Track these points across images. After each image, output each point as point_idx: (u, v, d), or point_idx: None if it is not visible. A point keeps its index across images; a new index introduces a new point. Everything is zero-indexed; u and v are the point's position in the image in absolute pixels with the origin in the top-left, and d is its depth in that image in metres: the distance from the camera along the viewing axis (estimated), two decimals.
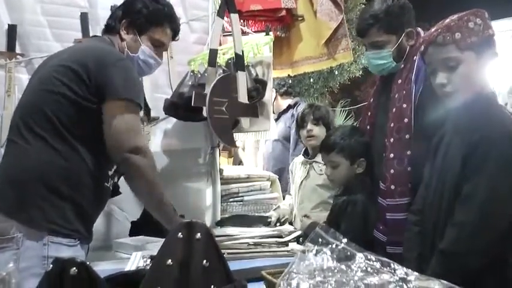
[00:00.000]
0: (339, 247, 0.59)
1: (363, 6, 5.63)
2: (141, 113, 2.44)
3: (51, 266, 0.77)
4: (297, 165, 2.77)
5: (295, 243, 2.02)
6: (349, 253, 0.58)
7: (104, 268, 1.65)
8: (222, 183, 2.65)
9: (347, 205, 2.03)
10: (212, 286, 0.89)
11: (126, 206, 2.50)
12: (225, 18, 2.55)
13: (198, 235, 0.91)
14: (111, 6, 2.50)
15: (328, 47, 3.06)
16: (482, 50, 1.50)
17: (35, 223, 1.57)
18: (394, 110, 1.90)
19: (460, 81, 1.50)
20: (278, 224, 2.40)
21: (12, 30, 2.29)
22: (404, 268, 0.58)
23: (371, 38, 1.96)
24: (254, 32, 2.79)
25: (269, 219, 2.44)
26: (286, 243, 1.98)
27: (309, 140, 2.63)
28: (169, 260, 0.89)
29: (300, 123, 2.69)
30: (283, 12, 3.02)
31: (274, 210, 2.61)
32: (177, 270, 0.89)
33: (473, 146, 1.44)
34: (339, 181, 2.16)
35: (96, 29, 2.48)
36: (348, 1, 4.87)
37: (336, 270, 0.56)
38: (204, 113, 2.06)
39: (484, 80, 1.55)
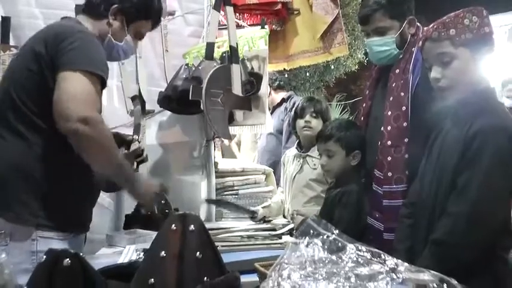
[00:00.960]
0: (330, 238, 0.60)
1: (359, 0, 5.64)
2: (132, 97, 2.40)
3: (44, 257, 0.77)
4: (289, 158, 2.78)
5: (289, 236, 2.03)
6: (340, 244, 0.59)
7: (98, 261, 1.65)
8: (217, 177, 2.66)
9: (342, 196, 2.04)
10: (205, 278, 0.90)
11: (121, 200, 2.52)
12: (221, 12, 2.57)
13: (192, 227, 0.92)
14: None
15: (323, 41, 3.07)
16: (477, 47, 1.52)
17: (21, 219, 1.54)
18: (391, 98, 1.93)
19: (454, 76, 1.53)
20: (262, 222, 2.39)
21: (6, 22, 2.28)
22: (395, 259, 0.58)
23: (375, 24, 1.97)
24: (250, 25, 2.79)
25: (255, 215, 2.44)
26: (279, 236, 1.99)
27: (306, 130, 2.64)
28: (163, 252, 0.90)
29: (300, 113, 2.69)
30: (279, 6, 3.03)
31: (263, 207, 2.61)
32: (170, 262, 0.89)
33: (469, 139, 1.46)
34: (333, 171, 2.17)
35: None
36: (350, 11, 4.89)
37: (326, 261, 0.57)
38: (201, 106, 2.06)
39: (480, 76, 1.57)
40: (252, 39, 2.42)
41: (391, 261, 0.57)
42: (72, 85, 1.49)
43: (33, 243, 1.54)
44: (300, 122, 2.67)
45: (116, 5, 1.78)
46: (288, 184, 2.71)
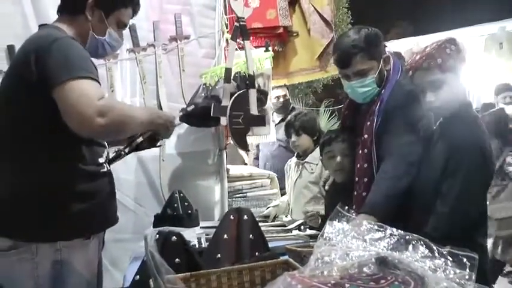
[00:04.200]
0: (351, 217, 0.96)
1: (349, 25, 6.03)
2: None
3: (157, 236, 1.12)
4: (291, 166, 3.14)
5: (297, 230, 2.39)
6: (358, 221, 0.95)
7: None
8: (228, 181, 3.00)
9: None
10: (256, 253, 1.25)
11: (144, 203, 2.83)
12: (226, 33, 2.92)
13: (245, 217, 1.27)
14: (130, 26, 2.85)
15: (320, 61, 3.44)
16: (457, 70, 1.80)
17: (42, 237, 1.59)
18: (363, 138, 2.01)
19: (444, 97, 1.79)
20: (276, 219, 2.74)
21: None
22: (391, 228, 0.94)
23: (355, 67, 1.97)
24: (255, 47, 3.14)
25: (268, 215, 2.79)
26: (290, 230, 2.34)
27: (296, 148, 3.01)
28: (225, 235, 1.25)
29: (286, 133, 3.07)
30: (281, 30, 3.40)
31: (273, 206, 2.96)
32: (231, 242, 1.25)
33: (451, 152, 1.77)
34: (345, 170, 2.22)
35: None
36: (337, 20, 5.27)
37: (350, 231, 0.92)
38: (223, 122, 2.40)
39: (462, 92, 1.87)
40: (259, 60, 2.78)
41: (389, 230, 0.93)
42: (71, 95, 1.51)
43: (57, 253, 1.60)
44: (290, 142, 3.03)
45: None
46: (290, 188, 3.05)
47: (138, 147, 1.87)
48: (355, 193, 2.03)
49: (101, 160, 1.76)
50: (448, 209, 1.75)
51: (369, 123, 1.98)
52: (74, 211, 1.62)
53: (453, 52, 1.79)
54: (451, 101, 1.80)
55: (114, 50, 1.93)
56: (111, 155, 1.84)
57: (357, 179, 2.02)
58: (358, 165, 2.02)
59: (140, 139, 1.83)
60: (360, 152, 2.01)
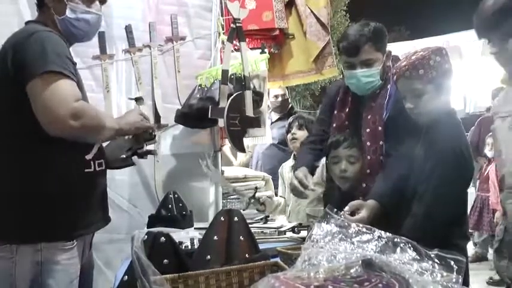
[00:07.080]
0: (340, 219, 0.96)
1: (347, 27, 6.07)
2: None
3: (146, 236, 1.12)
4: (286, 169, 3.14)
5: (292, 232, 2.39)
6: (346, 223, 0.95)
7: None
8: None
9: None
10: (246, 255, 1.25)
11: (138, 203, 2.83)
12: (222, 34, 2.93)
13: (236, 218, 1.27)
14: (126, 26, 2.86)
15: (316, 63, 3.44)
16: (440, 81, 1.84)
17: (23, 239, 1.58)
18: (368, 130, 2.06)
19: (424, 106, 1.85)
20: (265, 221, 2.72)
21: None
22: (379, 231, 0.95)
23: (363, 56, 2.02)
24: (250, 48, 3.13)
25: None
26: (284, 232, 2.34)
27: (293, 142, 3.03)
28: (215, 237, 1.25)
29: (287, 129, 3.13)
30: (277, 32, 3.39)
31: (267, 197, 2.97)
32: (221, 243, 1.25)
33: (428, 158, 1.82)
34: (351, 178, 2.12)
35: (113, 47, 2.83)
36: (335, 22, 5.31)
37: (339, 233, 0.92)
38: (220, 124, 2.40)
39: (444, 102, 1.88)
40: (255, 62, 2.78)
41: (377, 232, 0.94)
42: (45, 92, 1.49)
43: (38, 253, 1.58)
44: (288, 136, 3.08)
45: None
46: (287, 190, 3.04)
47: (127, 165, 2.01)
48: (364, 185, 2.04)
49: (88, 157, 1.72)
50: (422, 212, 1.79)
51: (377, 116, 2.04)
52: (56, 212, 1.61)
53: (437, 64, 1.82)
54: (430, 110, 1.85)
55: (91, 25, 1.80)
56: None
57: (368, 171, 2.04)
58: (369, 157, 2.04)
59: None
60: (369, 143, 2.04)
